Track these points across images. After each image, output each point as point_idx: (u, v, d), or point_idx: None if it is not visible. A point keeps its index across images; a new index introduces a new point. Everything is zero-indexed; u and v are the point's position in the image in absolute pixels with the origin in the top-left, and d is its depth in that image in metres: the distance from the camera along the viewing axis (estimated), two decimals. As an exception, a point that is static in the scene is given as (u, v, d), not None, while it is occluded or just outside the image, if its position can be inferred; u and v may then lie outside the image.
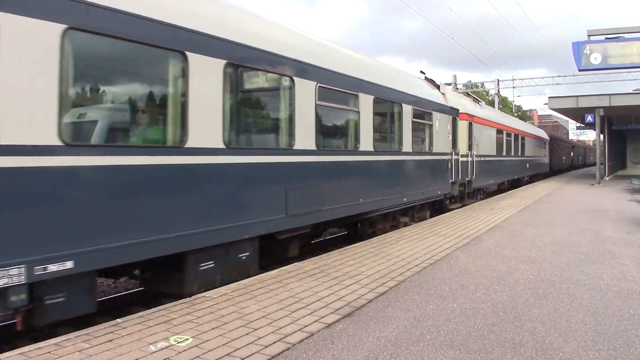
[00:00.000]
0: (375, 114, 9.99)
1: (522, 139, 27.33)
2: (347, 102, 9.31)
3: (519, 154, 26.59)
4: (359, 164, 9.63)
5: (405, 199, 11.38)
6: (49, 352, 4.08)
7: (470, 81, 56.81)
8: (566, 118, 50.62)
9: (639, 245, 9.10)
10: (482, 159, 18.63)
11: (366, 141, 9.67)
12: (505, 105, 55.37)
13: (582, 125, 39.73)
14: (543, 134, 37.02)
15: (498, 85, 44.84)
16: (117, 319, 4.96)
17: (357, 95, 9.33)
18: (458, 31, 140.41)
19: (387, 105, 10.96)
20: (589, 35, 28.68)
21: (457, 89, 42.04)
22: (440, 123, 13.67)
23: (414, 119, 11.87)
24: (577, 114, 31.14)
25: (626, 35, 27.96)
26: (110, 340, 4.34)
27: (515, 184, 27.32)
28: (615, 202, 17.37)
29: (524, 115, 67.59)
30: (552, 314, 5.17)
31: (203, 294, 5.88)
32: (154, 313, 5.13)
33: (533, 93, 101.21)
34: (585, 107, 26.46)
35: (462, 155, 16.11)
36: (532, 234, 10.32)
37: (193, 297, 5.76)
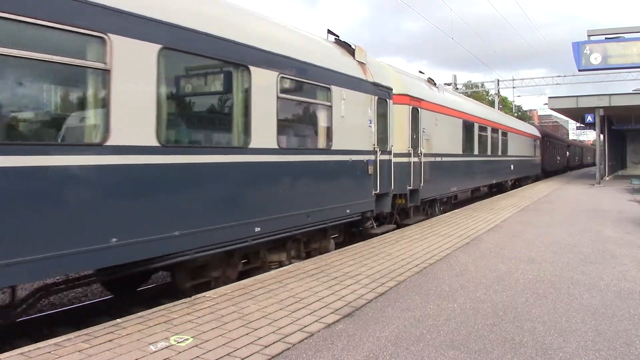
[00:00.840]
0: (169, 80, 5.87)
1: (504, 134, 22.94)
2: (77, 53, 4.88)
3: (499, 152, 21.95)
4: (108, 171, 5.04)
5: (258, 229, 6.82)
6: (49, 352, 4.08)
7: (470, 81, 56.95)
8: (566, 118, 50.63)
9: (639, 245, 9.10)
10: (439, 159, 14.05)
11: (135, 129, 5.27)
12: (505, 105, 55.37)
13: (582, 125, 39.69)
14: (534, 130, 33.14)
15: (498, 85, 44.86)
16: (117, 319, 4.96)
17: (104, 38, 4.93)
18: (458, 31, 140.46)
19: (208, 65, 6.49)
20: (589, 35, 28.69)
21: (457, 88, 42.11)
22: (350, 106, 9.11)
23: (284, 95, 7.43)
24: (577, 114, 31.16)
25: (626, 35, 27.98)
26: (110, 340, 4.35)
27: (496, 189, 23.65)
28: (615, 202, 17.36)
29: (524, 115, 67.52)
30: (552, 314, 5.17)
31: (203, 294, 5.88)
32: (154, 313, 5.14)
33: (533, 93, 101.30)
34: (585, 107, 26.48)
35: (400, 155, 11.50)
36: (532, 234, 10.32)
37: (193, 297, 5.76)
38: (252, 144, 6.82)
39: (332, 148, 8.67)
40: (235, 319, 4.95)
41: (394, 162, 10.97)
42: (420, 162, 12.59)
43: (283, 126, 7.62)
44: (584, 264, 7.54)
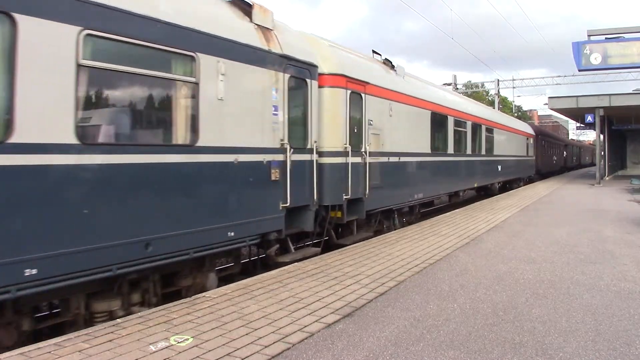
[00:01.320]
0: None
1: (489, 131, 20.00)
2: None
3: (483, 151, 19.12)
4: None
5: (31, 272, 4.40)
6: (49, 352, 4.09)
7: (470, 81, 56.92)
8: (566, 118, 50.64)
9: (639, 245, 9.10)
10: (395, 159, 11.18)
11: None
12: (505, 105, 55.38)
13: (582, 125, 39.69)
14: (527, 128, 30.35)
15: (498, 85, 44.83)
16: (117, 319, 4.97)
17: None
18: (458, 31, 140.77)
19: None
20: (589, 35, 28.69)
21: (457, 88, 42.09)
22: (236, 84, 6.65)
23: (95, 64, 5.00)
24: (577, 114, 31.17)
25: (626, 35, 27.98)
26: (110, 340, 4.35)
27: (484, 192, 21.71)
28: (615, 202, 17.36)
29: (524, 115, 67.54)
30: (552, 314, 5.17)
31: (203, 294, 5.89)
32: (154, 313, 5.14)
33: (533, 93, 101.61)
34: (585, 107, 26.49)
35: (332, 154, 8.87)
36: (532, 234, 10.32)
37: (193, 297, 5.76)
38: (16, 137, 4.31)
39: (199, 144, 6.08)
40: (235, 319, 4.95)
41: (321, 164, 8.56)
42: (365, 164, 9.77)
43: (94, 110, 5.24)
44: (584, 264, 7.54)
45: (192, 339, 4.42)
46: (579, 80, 43.00)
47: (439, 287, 6.19)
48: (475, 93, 53.42)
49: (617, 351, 4.20)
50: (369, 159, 9.91)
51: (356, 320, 4.95)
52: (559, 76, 43.15)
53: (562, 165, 45.87)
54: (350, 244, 9.11)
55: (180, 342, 4.34)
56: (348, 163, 9.20)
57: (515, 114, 49.92)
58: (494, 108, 35.68)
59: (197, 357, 4.05)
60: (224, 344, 4.30)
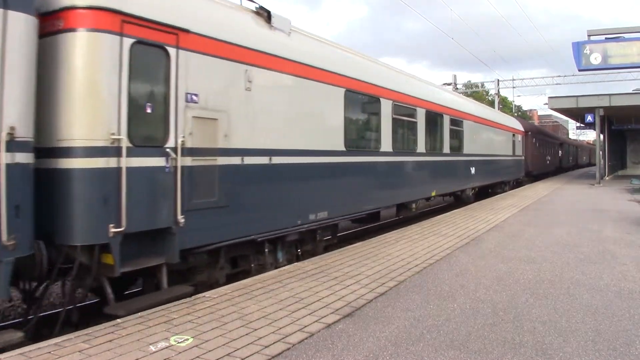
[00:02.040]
0: None
1: (457, 123, 15.75)
2: None
3: (445, 149, 14.86)
4: None
5: None
6: (49, 352, 4.09)
7: (470, 81, 56.94)
8: (566, 118, 50.61)
9: (639, 245, 9.10)
10: (259, 160, 7.20)
11: None
12: (505, 105, 55.35)
13: (582, 125, 39.66)
14: (515, 123, 26.50)
15: (498, 85, 44.80)
16: (117, 319, 4.96)
17: None
18: (458, 31, 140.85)
19: None
20: (589, 35, 28.69)
21: (457, 88, 42.08)
22: None
23: None
24: (577, 114, 31.17)
25: (626, 35, 27.97)
26: (110, 341, 4.35)
27: (456, 199, 18.51)
28: (616, 202, 17.36)
29: (524, 115, 67.45)
30: (552, 314, 5.17)
31: (203, 294, 5.89)
32: (154, 313, 5.14)
33: (533, 93, 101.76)
34: (585, 107, 26.49)
35: (82, 152, 5.02)
36: (532, 234, 10.32)
37: (193, 297, 5.76)
38: None
39: None
40: (235, 319, 4.95)
41: (57, 171, 5.07)
42: (176, 168, 5.83)
43: None
44: (584, 264, 7.54)
45: (192, 339, 4.42)
46: (579, 80, 43.12)
47: (439, 287, 6.19)
48: (475, 93, 53.42)
49: (617, 351, 4.20)
50: (188, 161, 6.02)
51: (356, 320, 4.95)
52: (559, 76, 43.18)
53: (557, 166, 43.31)
54: (125, 315, 5.11)
55: (180, 342, 4.34)
56: (122, 167, 5.27)
57: (516, 114, 49.78)
58: (494, 108, 35.36)
59: (197, 357, 4.05)
60: (224, 344, 4.30)
